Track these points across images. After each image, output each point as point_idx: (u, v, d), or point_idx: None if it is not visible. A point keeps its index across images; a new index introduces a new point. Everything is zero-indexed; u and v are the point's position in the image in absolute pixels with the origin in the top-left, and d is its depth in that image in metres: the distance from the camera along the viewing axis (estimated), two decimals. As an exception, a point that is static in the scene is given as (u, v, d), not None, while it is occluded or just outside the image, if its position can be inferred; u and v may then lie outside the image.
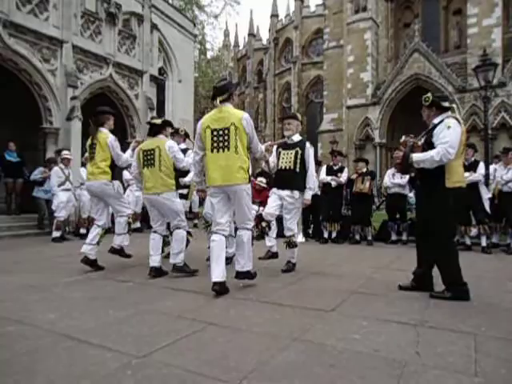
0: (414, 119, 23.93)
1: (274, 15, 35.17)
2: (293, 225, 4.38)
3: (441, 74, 19.95)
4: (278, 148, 4.52)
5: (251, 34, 37.94)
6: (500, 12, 18.71)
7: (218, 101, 3.39)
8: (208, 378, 1.79)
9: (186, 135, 5.34)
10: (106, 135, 4.46)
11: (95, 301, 3.14)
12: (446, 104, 3.31)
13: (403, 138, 3.50)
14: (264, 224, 4.35)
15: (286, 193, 4.34)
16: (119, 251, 4.65)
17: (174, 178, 4.23)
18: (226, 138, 3.33)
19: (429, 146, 3.21)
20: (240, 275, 3.56)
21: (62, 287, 3.61)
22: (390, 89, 21.56)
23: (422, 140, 3.36)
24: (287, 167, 4.37)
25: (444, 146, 3.07)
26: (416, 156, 3.21)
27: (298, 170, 4.33)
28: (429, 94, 3.38)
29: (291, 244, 4.37)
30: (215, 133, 3.37)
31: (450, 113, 3.29)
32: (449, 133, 3.11)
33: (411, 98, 20.59)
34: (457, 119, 3.23)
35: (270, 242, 4.52)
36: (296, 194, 4.33)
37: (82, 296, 3.30)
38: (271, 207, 4.40)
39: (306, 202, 4.43)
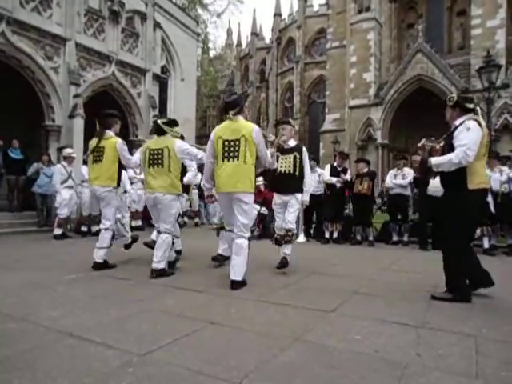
0: (416, 120, 23.77)
1: (277, 14, 35.13)
2: (293, 218, 4.52)
3: (444, 74, 19.91)
4: (276, 152, 4.63)
5: (254, 33, 37.90)
6: (504, 13, 18.66)
7: (230, 114, 3.63)
8: (209, 376, 1.80)
9: (182, 137, 5.39)
10: (114, 139, 4.45)
11: (97, 299, 3.15)
12: (471, 106, 3.28)
13: (422, 141, 3.49)
14: (277, 237, 4.54)
15: (288, 197, 4.53)
16: (104, 265, 4.36)
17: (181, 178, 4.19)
18: (236, 148, 3.54)
19: (450, 147, 3.19)
20: (236, 285, 3.48)
21: (63, 285, 3.62)
22: (392, 89, 21.53)
23: (443, 143, 3.34)
24: (287, 171, 4.54)
25: (462, 148, 3.04)
26: (434, 160, 3.21)
27: (297, 173, 4.53)
28: (454, 94, 3.39)
29: (288, 240, 4.45)
30: (226, 143, 3.58)
31: (472, 114, 3.25)
32: (468, 135, 3.09)
33: (414, 98, 20.60)
34: (477, 121, 3.19)
35: (283, 250, 4.57)
36: (298, 196, 4.54)
37: (84, 294, 3.30)
38: (280, 222, 4.60)
39: (304, 204, 4.63)
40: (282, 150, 4.61)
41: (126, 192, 8.39)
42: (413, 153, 3.58)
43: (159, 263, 3.96)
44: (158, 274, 3.93)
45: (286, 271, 4.35)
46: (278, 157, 4.56)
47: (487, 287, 3.29)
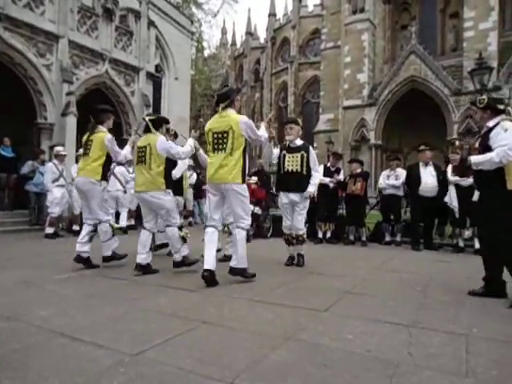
0: (409, 121, 23.83)
1: (272, 14, 35.16)
2: (302, 224, 4.73)
3: (437, 76, 20.06)
4: (281, 151, 4.77)
5: (249, 33, 37.88)
6: (496, 16, 18.85)
7: (220, 107, 3.68)
8: (201, 376, 1.79)
9: (175, 135, 5.40)
10: (103, 133, 4.43)
11: (89, 298, 3.13)
12: (502, 107, 3.29)
13: (457, 142, 3.53)
14: (287, 237, 4.77)
15: (296, 197, 4.61)
16: (112, 257, 4.55)
17: (165, 175, 4.21)
18: (224, 140, 3.60)
19: (485, 149, 3.19)
20: (233, 271, 3.69)
21: (55, 284, 3.59)
22: (386, 90, 21.64)
23: (477, 143, 3.35)
24: (294, 170, 4.63)
25: (503, 148, 3.05)
26: (474, 158, 3.21)
27: (304, 172, 4.61)
28: (484, 96, 3.40)
29: (301, 240, 4.72)
30: (215, 135, 3.66)
31: (504, 115, 3.26)
32: (507, 135, 3.10)
33: (407, 99, 20.73)
34: None
35: (290, 251, 4.85)
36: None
37: (76, 293, 3.28)
38: (288, 221, 4.74)
39: (310, 194, 4.66)
40: (289, 149, 4.69)
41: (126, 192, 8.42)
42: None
43: (176, 254, 4.25)
44: (177, 264, 4.25)
45: (281, 271, 4.37)
46: (284, 156, 4.68)
47: (499, 297, 3.24)
